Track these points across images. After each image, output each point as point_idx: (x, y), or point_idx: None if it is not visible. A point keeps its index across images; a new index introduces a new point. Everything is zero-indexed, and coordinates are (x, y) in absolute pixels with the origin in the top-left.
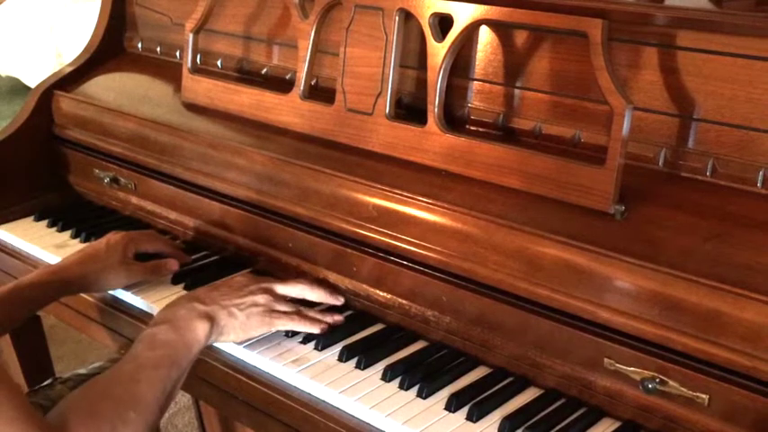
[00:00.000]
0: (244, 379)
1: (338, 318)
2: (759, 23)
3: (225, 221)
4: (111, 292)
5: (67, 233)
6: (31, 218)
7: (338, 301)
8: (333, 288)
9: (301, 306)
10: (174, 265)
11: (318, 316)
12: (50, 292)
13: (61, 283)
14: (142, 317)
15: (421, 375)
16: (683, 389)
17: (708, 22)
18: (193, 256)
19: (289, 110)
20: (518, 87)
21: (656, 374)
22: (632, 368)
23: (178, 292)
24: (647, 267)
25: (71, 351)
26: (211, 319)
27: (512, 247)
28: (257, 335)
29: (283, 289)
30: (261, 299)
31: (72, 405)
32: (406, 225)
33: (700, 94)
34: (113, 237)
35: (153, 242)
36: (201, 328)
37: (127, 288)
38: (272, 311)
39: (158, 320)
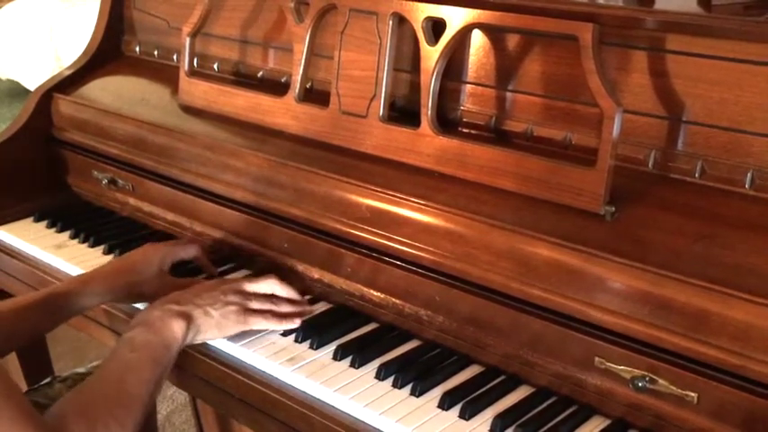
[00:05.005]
0: (240, 377)
1: (309, 309)
2: (747, 27)
3: (221, 222)
4: None
5: (66, 233)
6: (31, 218)
7: (305, 301)
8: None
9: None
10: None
11: (290, 309)
12: (84, 303)
13: (95, 295)
14: None
15: (414, 374)
16: (672, 387)
17: (697, 26)
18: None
19: (284, 112)
20: (510, 90)
21: (646, 373)
22: (622, 367)
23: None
24: (637, 267)
25: (70, 350)
26: (187, 317)
27: (504, 248)
28: (233, 333)
29: (254, 287)
30: (234, 298)
31: (67, 406)
32: (398, 226)
33: (688, 97)
34: (151, 249)
35: (188, 249)
36: (178, 327)
37: None
38: (246, 310)
39: (136, 323)
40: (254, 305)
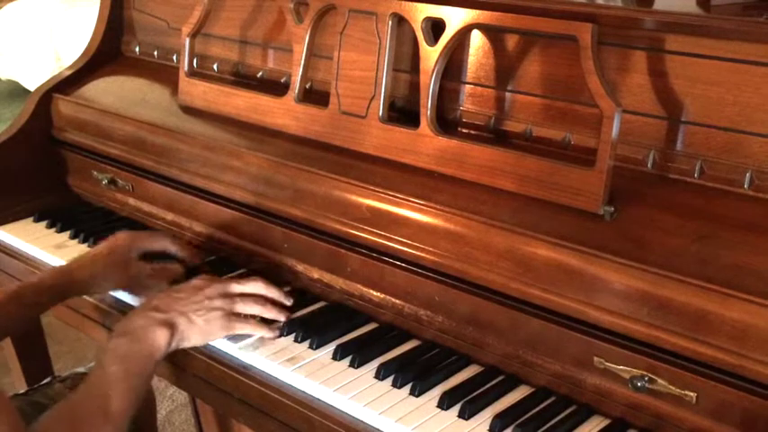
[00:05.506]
0: (239, 377)
1: (287, 315)
2: (746, 27)
3: (221, 222)
4: (111, 292)
5: (66, 233)
6: (31, 219)
7: (289, 301)
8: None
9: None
10: (179, 270)
11: (273, 311)
12: (54, 296)
13: (65, 287)
14: None
15: (414, 374)
16: (671, 387)
17: (696, 26)
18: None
19: (284, 113)
20: (509, 90)
21: (644, 373)
22: (621, 366)
23: None
24: (636, 267)
25: (70, 350)
26: (171, 326)
27: (503, 248)
28: (217, 338)
29: (240, 288)
30: (219, 302)
31: (53, 421)
32: (398, 226)
33: (688, 97)
34: (117, 238)
35: (158, 240)
36: (162, 337)
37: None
38: (230, 315)
39: (119, 332)
40: (240, 308)
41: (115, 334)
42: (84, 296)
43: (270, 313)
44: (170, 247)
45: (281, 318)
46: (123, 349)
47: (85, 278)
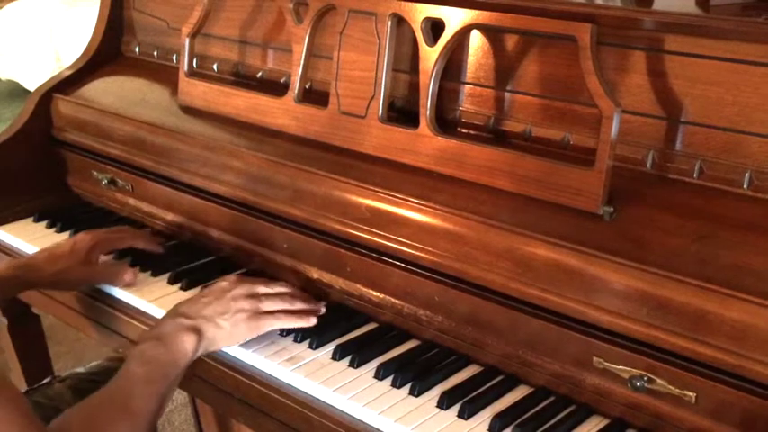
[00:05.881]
0: (239, 377)
1: (321, 308)
2: (745, 28)
3: (221, 222)
4: (110, 291)
5: (66, 234)
6: (31, 219)
7: (321, 306)
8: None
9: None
10: (130, 278)
11: (304, 306)
12: (13, 288)
13: (26, 280)
14: (140, 316)
15: (413, 373)
16: (670, 387)
17: (695, 26)
18: (186, 258)
19: (283, 113)
20: (508, 91)
21: (644, 373)
22: (621, 366)
23: (175, 291)
24: (636, 267)
25: (70, 350)
26: (198, 332)
27: (502, 248)
28: (246, 340)
29: (266, 289)
30: (245, 304)
31: (73, 418)
32: (398, 226)
33: (687, 97)
34: (80, 238)
35: (123, 241)
36: (189, 343)
37: (125, 288)
38: (257, 315)
39: (147, 337)
40: (267, 306)
41: (143, 338)
42: (83, 295)
43: (297, 306)
44: (137, 244)
45: (312, 321)
46: (149, 353)
47: (48, 275)
